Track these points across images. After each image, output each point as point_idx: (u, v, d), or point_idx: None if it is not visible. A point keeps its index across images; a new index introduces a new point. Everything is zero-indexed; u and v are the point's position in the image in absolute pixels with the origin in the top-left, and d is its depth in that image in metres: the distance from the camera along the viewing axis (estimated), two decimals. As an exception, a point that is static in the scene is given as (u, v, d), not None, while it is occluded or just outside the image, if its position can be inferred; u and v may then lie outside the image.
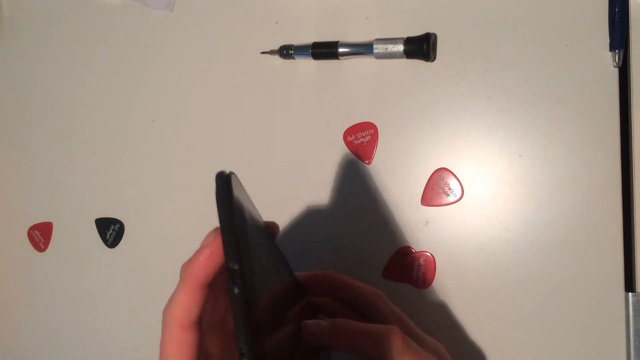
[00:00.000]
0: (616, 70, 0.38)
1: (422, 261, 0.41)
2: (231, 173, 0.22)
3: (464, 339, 0.40)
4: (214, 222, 0.22)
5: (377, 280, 0.42)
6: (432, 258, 0.41)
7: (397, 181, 0.42)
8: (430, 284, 0.41)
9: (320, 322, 0.28)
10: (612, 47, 0.37)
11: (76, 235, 0.52)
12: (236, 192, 0.22)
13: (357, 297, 0.33)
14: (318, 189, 0.44)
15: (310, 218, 0.44)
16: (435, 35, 0.41)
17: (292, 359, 0.26)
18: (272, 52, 0.46)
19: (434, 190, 0.41)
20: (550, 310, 0.38)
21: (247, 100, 0.47)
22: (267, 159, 0.46)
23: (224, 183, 0.22)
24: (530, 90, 0.39)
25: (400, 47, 0.41)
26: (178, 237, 0.48)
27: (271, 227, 0.28)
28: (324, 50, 0.43)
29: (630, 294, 0.37)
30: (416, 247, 0.41)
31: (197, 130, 0.48)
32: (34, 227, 0.53)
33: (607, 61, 0.38)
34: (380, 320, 0.32)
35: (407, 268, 0.41)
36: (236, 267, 0.20)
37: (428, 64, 0.42)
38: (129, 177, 0.50)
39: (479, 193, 0.40)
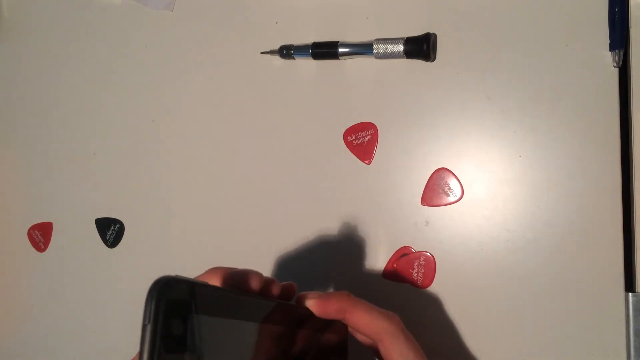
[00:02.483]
0: (616, 70, 0.38)
1: (422, 261, 0.41)
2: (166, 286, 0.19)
3: (464, 339, 0.40)
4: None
5: (377, 280, 0.42)
6: (432, 258, 0.41)
7: (397, 181, 0.42)
8: (430, 284, 0.41)
9: None
10: (612, 47, 0.37)
11: (76, 235, 0.52)
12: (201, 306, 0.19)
13: (370, 328, 0.29)
14: (318, 189, 0.44)
15: (310, 218, 0.44)
16: (435, 35, 0.41)
17: None
18: (272, 52, 0.45)
19: (434, 190, 0.41)
20: (550, 310, 0.38)
21: (247, 100, 0.47)
22: (266, 159, 0.46)
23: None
24: (530, 90, 0.39)
25: (400, 47, 0.41)
26: (178, 237, 0.48)
27: (288, 289, 0.27)
28: (324, 50, 0.43)
29: (630, 294, 0.37)
30: (416, 247, 0.41)
31: (197, 130, 0.48)
32: (34, 227, 0.53)
33: (607, 61, 0.38)
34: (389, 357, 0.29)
35: (407, 268, 0.41)
36: None
37: (428, 64, 0.42)
38: (129, 177, 0.50)
39: (479, 193, 0.40)
